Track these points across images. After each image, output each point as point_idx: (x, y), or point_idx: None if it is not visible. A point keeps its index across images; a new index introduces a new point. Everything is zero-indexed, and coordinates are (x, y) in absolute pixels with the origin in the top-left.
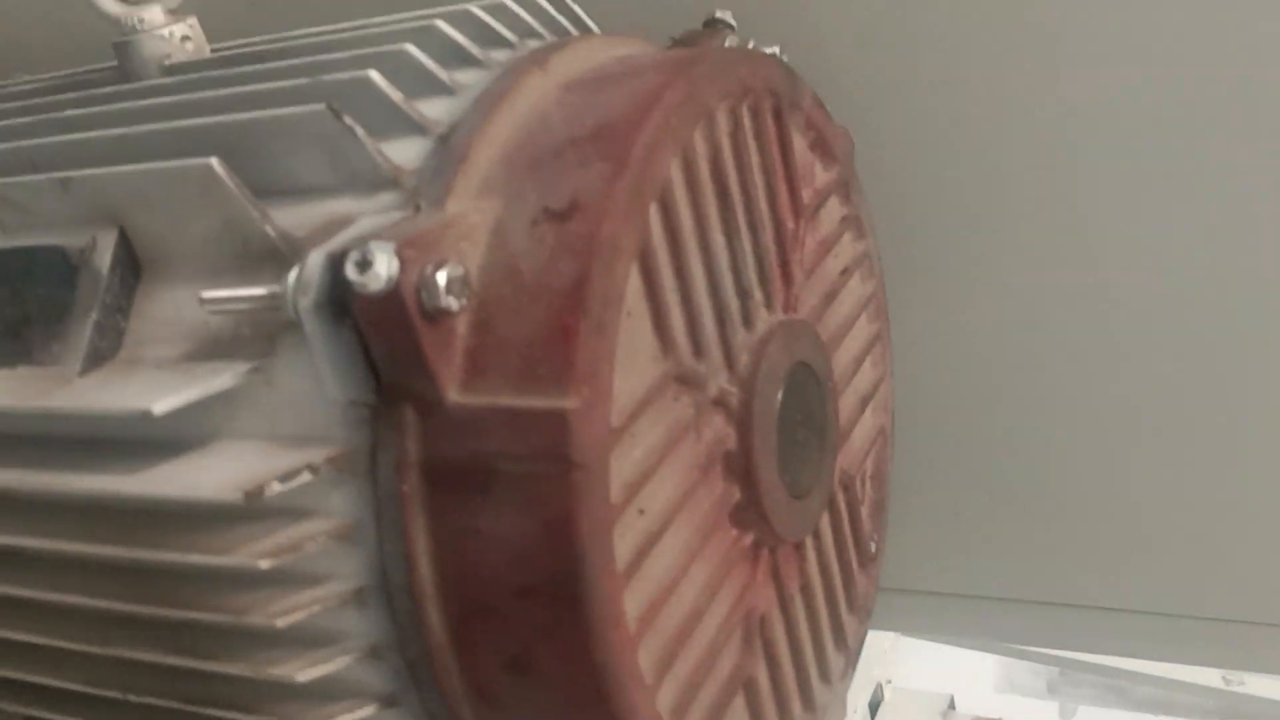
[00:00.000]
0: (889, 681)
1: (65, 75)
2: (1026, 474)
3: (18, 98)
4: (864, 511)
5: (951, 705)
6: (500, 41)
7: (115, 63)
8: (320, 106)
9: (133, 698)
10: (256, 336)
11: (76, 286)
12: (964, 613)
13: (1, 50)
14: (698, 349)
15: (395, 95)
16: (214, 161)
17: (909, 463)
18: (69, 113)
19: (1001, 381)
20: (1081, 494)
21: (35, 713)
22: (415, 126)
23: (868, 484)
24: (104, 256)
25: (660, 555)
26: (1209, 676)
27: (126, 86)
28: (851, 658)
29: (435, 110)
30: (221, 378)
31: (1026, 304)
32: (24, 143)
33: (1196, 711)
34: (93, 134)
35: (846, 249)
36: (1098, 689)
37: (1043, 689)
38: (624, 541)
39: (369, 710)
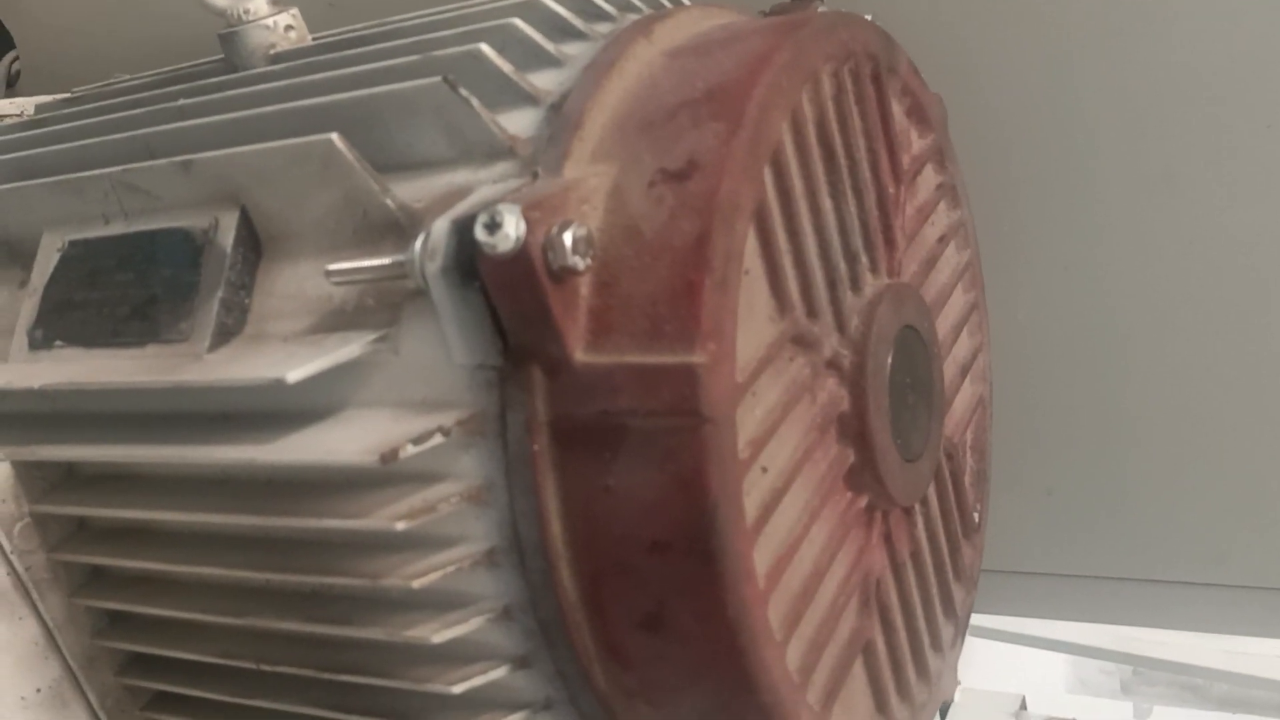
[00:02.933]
0: (959, 682)
1: (170, 70)
2: (1118, 451)
3: (126, 93)
4: (967, 481)
5: (1023, 706)
6: (601, 15)
7: (221, 55)
8: (436, 80)
9: (266, 667)
10: (381, 306)
11: (201, 266)
12: (1047, 592)
13: (88, 56)
14: (811, 310)
15: (506, 67)
16: (335, 137)
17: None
18: (182, 102)
19: (1096, 358)
20: (1177, 468)
21: (167, 687)
22: (527, 97)
23: (969, 453)
24: (227, 236)
25: (783, 513)
26: None
27: (236, 75)
28: (961, 627)
29: (545, 81)
30: (350, 347)
31: (1119, 278)
32: (140, 131)
33: (1276, 709)
34: (209, 119)
35: (942, 217)
36: (1173, 688)
37: (1116, 689)
38: (750, 498)
39: (501, 671)
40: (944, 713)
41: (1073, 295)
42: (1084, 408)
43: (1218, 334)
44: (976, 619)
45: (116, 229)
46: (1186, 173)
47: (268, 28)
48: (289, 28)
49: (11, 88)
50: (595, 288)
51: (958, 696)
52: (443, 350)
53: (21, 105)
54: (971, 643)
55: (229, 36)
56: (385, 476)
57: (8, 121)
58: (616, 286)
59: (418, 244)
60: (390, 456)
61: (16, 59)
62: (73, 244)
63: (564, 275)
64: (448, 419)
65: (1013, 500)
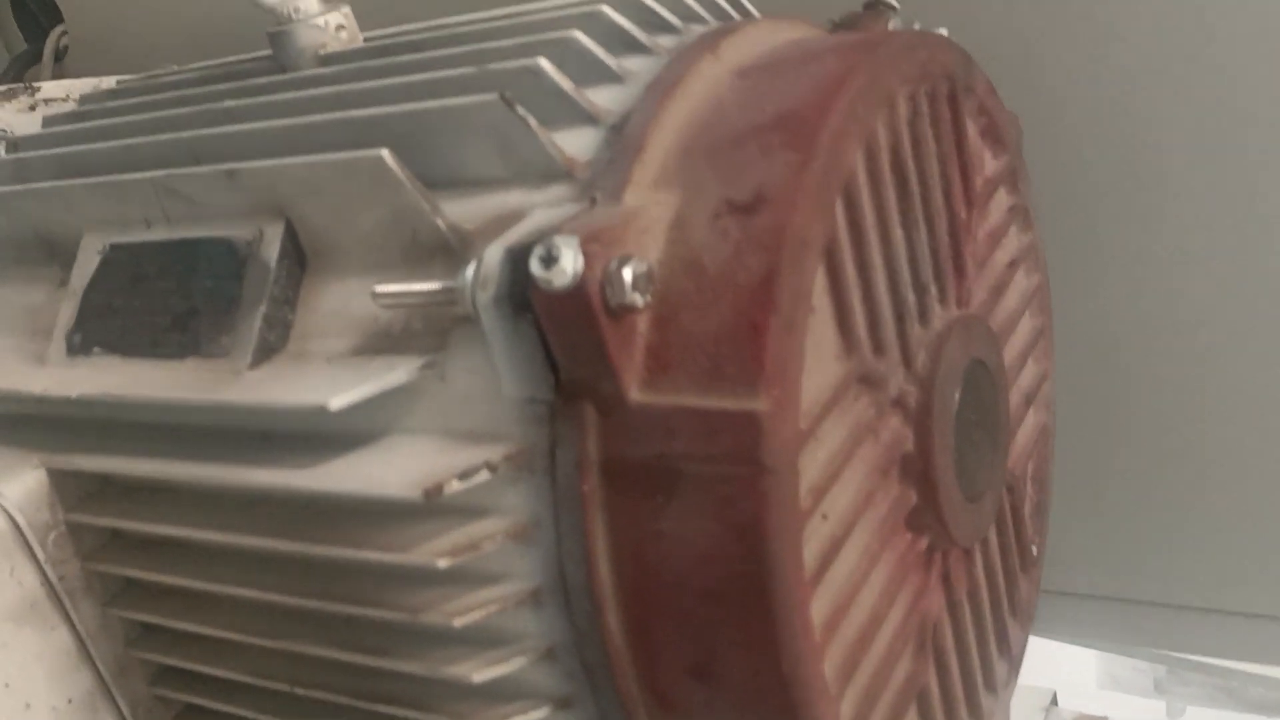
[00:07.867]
0: None
1: (218, 65)
2: (1172, 476)
3: (172, 88)
4: (1026, 513)
5: (1054, 701)
6: (665, 27)
7: (269, 52)
8: (492, 96)
9: (300, 691)
10: (428, 331)
11: (244, 279)
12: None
13: (137, 30)
14: (878, 347)
15: (566, 84)
16: (385, 153)
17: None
18: (228, 103)
19: (1151, 380)
20: (1229, 497)
21: (200, 700)
22: (586, 116)
23: (1029, 485)
24: (271, 248)
25: (843, 561)
26: None
27: (285, 77)
28: (1015, 665)
29: (605, 99)
30: (396, 373)
31: (1180, 303)
32: (185, 134)
33: None
34: (256, 125)
35: (1013, 241)
36: (1207, 689)
37: (1149, 687)
38: (810, 547)
39: (543, 712)
40: None
41: (1136, 310)
42: (1137, 426)
43: None
44: None
45: (159, 234)
46: (1264, 186)
47: (318, 27)
48: (340, 27)
49: (59, 62)
50: (654, 323)
51: None
52: (492, 381)
53: (67, 89)
54: None
55: (278, 35)
56: (430, 509)
57: (53, 109)
58: (676, 323)
59: (469, 271)
60: (435, 492)
61: (65, 33)
62: (114, 248)
63: (622, 312)
64: (495, 454)
65: (1060, 520)
